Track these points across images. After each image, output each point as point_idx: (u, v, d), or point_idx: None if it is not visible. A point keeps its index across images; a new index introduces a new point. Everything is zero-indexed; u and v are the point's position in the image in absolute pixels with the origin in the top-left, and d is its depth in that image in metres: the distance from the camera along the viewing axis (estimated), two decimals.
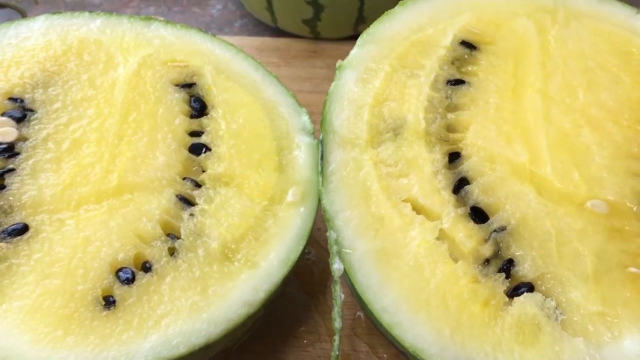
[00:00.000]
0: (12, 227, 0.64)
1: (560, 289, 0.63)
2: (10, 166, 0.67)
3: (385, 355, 0.78)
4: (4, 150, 0.68)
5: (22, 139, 0.69)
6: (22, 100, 0.71)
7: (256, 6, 1.14)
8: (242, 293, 0.64)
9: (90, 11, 0.80)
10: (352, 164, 0.70)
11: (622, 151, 0.69)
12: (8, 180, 0.66)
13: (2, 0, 0.93)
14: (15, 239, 0.63)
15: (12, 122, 0.70)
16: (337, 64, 0.76)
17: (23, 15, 0.91)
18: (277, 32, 1.18)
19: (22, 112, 0.70)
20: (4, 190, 0.66)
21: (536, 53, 0.76)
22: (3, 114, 0.70)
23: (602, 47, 0.76)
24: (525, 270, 0.64)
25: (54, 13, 0.79)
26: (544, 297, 0.62)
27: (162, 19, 0.82)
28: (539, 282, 0.63)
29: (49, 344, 0.59)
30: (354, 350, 0.78)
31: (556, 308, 0.62)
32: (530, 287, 0.63)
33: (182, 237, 0.67)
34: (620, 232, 0.65)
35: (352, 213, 0.67)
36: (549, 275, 0.63)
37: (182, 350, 0.61)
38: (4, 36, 0.75)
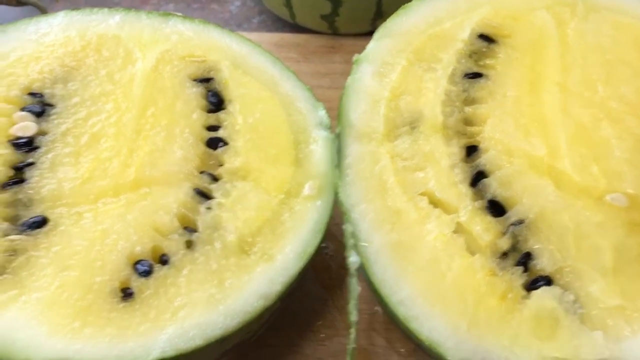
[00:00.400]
0: (31, 219, 0.65)
1: (578, 283, 0.62)
2: (30, 160, 0.68)
3: (402, 350, 0.78)
4: (24, 144, 0.69)
5: (42, 133, 0.70)
6: (41, 95, 0.72)
7: (274, 2, 1.15)
8: (259, 286, 0.65)
9: (110, 8, 0.81)
10: (369, 157, 0.69)
11: None
12: (28, 173, 0.67)
13: None
14: (34, 232, 0.64)
15: (32, 117, 0.70)
16: (354, 58, 0.75)
17: (43, 12, 0.92)
18: (296, 28, 1.18)
19: (41, 107, 0.71)
20: (23, 183, 0.67)
21: (555, 46, 0.75)
22: (23, 109, 0.71)
23: (622, 40, 0.75)
24: (543, 263, 0.63)
25: (74, 9, 0.80)
26: (563, 291, 0.62)
27: (180, 14, 0.82)
28: (557, 276, 0.63)
29: (67, 335, 0.60)
30: (372, 344, 0.78)
31: (575, 302, 0.61)
32: (548, 281, 0.62)
33: (199, 230, 0.67)
34: None
35: (368, 206, 0.67)
36: (568, 269, 0.62)
37: (199, 342, 0.61)
38: (25, 32, 0.76)
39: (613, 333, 0.59)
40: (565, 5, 0.78)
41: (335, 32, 1.15)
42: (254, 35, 1.12)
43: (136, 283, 0.63)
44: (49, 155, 0.68)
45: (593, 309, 0.61)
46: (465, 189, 0.67)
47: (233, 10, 1.28)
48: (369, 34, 0.78)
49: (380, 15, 1.08)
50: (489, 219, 0.66)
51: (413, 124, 0.71)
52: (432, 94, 0.72)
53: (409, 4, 0.78)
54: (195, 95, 0.76)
